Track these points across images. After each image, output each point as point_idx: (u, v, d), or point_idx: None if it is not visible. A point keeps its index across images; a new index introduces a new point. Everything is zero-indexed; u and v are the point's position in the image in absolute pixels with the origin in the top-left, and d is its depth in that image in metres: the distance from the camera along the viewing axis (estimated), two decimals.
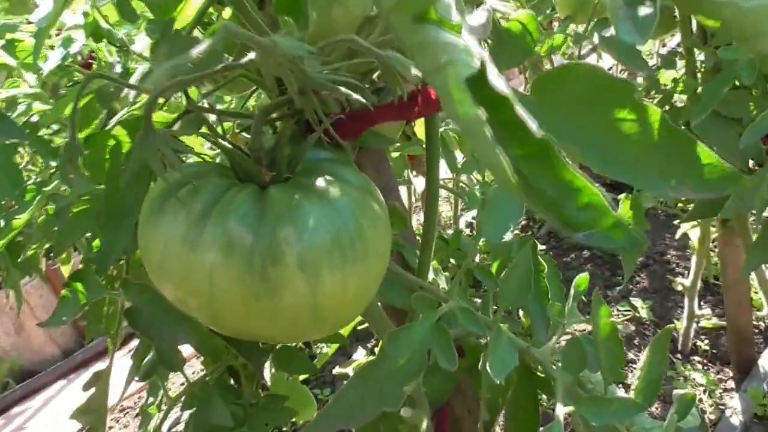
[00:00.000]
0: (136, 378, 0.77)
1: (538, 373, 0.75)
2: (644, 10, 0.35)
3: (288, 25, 0.53)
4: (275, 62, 0.45)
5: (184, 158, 0.60)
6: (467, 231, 2.62)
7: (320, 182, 0.53)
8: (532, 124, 0.28)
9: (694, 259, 1.85)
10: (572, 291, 0.70)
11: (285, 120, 0.58)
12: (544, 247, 2.88)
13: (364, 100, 0.52)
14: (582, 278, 0.71)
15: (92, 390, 0.71)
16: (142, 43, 1.28)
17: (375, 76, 0.74)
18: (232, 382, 0.82)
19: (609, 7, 0.36)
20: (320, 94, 0.54)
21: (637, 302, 2.30)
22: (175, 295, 0.53)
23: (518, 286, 0.63)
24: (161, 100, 0.72)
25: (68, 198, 0.75)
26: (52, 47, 1.38)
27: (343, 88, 0.50)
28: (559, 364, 0.63)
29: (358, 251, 0.52)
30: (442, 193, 2.62)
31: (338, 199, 0.52)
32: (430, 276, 0.81)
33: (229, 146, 0.54)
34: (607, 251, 2.77)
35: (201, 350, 0.74)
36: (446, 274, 0.91)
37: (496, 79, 0.28)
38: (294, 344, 0.82)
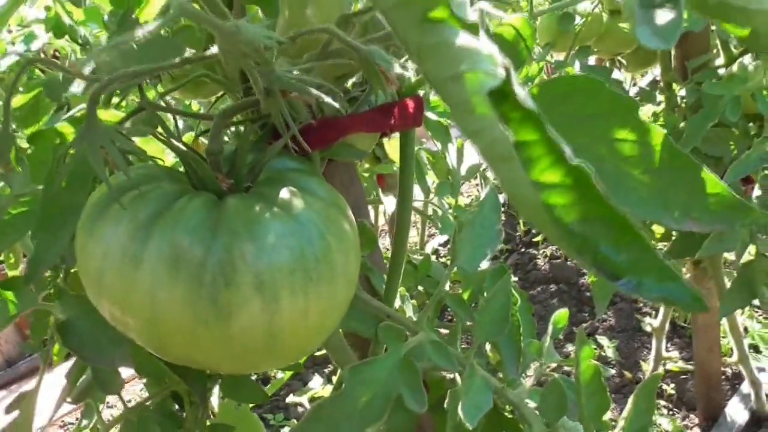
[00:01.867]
0: (68, 400, 0.69)
1: (507, 414, 0.69)
2: (666, 14, 0.30)
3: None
4: (238, 52, 0.39)
5: (132, 161, 0.54)
6: (433, 258, 2.57)
7: (284, 194, 0.48)
8: (566, 148, 0.23)
9: None
10: (550, 328, 0.65)
11: (248, 124, 0.52)
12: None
13: (336, 106, 0.46)
14: (561, 315, 0.66)
15: (16, 413, 0.64)
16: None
17: (349, 84, 0.69)
18: (176, 407, 0.75)
19: (626, 12, 0.32)
20: (289, 97, 0.49)
21: (604, 341, 2.27)
22: (112, 314, 0.47)
23: (495, 319, 0.58)
24: (115, 98, 0.66)
25: (5, 197, 0.68)
26: (13, 43, 1.31)
27: (314, 91, 0.45)
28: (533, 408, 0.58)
29: (324, 273, 0.46)
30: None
31: (303, 213, 0.47)
32: (397, 303, 0.75)
33: (183, 148, 0.48)
34: (574, 285, 2.75)
35: (141, 372, 0.67)
36: (413, 302, 0.85)
37: (521, 92, 0.23)
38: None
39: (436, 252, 3.19)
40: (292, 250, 0.45)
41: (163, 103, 0.58)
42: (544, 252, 3.16)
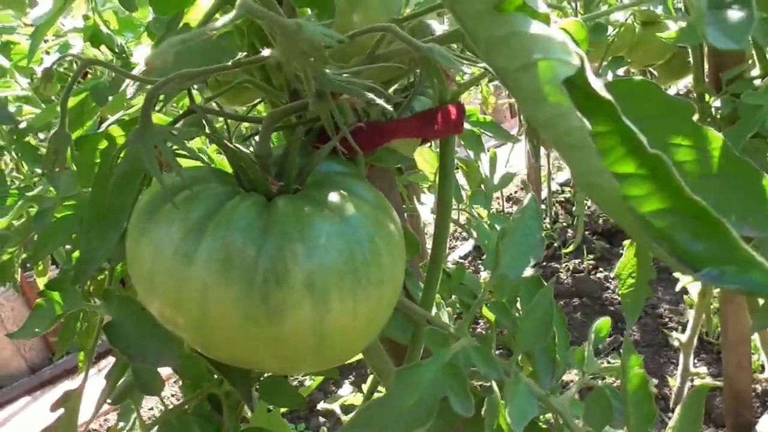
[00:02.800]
0: (108, 401, 0.70)
1: (541, 424, 0.69)
2: (735, 14, 0.30)
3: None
4: (298, 51, 0.40)
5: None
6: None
7: (333, 196, 0.48)
8: (642, 137, 0.23)
9: (692, 313, 1.80)
10: (591, 336, 0.65)
11: (299, 126, 0.52)
12: None
13: (387, 107, 0.47)
14: (602, 323, 0.66)
15: (61, 410, 0.64)
16: (141, 53, 1.23)
17: (391, 90, 0.69)
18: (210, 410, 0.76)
19: (694, 13, 0.31)
20: (338, 100, 0.49)
21: None
22: (162, 312, 0.47)
23: (538, 327, 0.58)
24: (161, 101, 0.66)
25: (52, 200, 0.69)
26: (48, 52, 1.33)
27: (365, 92, 0.45)
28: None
29: (373, 275, 0.46)
30: (429, 228, 2.56)
31: (352, 215, 0.47)
32: (433, 310, 0.75)
33: (235, 149, 0.48)
34: (597, 299, 2.72)
35: (183, 374, 0.67)
36: (448, 309, 0.85)
37: (596, 82, 0.23)
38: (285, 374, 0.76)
39: (458, 264, 3.17)
40: (341, 251, 0.45)
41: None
42: (566, 266, 3.14)
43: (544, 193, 3.61)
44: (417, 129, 0.59)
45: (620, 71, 1.51)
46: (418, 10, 0.56)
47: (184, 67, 0.47)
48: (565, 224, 3.55)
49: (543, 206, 3.55)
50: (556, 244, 3.32)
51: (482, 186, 1.00)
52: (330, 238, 0.45)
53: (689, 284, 1.73)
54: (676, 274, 1.84)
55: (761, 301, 1.42)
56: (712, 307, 2.06)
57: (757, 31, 0.90)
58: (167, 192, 0.46)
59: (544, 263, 3.22)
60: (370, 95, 0.46)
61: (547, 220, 3.55)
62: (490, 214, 0.95)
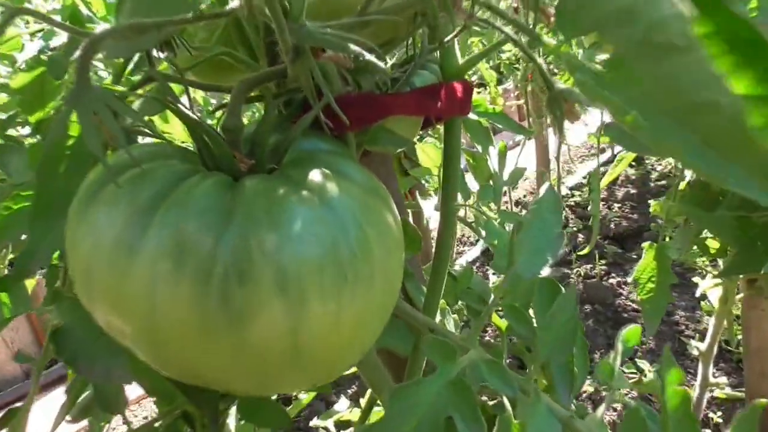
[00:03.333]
0: (67, 418, 0.61)
1: None
2: None
3: None
4: None
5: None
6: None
7: (314, 176, 0.39)
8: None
9: (712, 320, 1.70)
10: (619, 346, 0.56)
11: (268, 96, 0.44)
12: None
13: (380, 67, 0.38)
14: (632, 331, 0.57)
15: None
16: None
17: (389, 65, 0.61)
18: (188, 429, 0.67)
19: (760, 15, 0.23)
20: (321, 59, 0.40)
21: (645, 365, 2.14)
22: (104, 318, 0.39)
23: (561, 336, 0.49)
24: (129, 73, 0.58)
25: (4, 186, 0.61)
26: (31, 39, 1.25)
27: (355, 47, 0.36)
28: None
29: (361, 270, 0.38)
30: (434, 230, 2.47)
31: (337, 198, 0.38)
32: (437, 317, 0.67)
33: (195, 119, 0.40)
34: (609, 306, 2.62)
35: (149, 390, 0.59)
36: (454, 316, 0.76)
37: None
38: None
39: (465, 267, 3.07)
40: (322, 240, 0.36)
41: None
42: (577, 271, 3.04)
43: None
44: (416, 105, 0.50)
45: None
46: None
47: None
48: (575, 228, 3.46)
49: None
50: (566, 249, 3.23)
51: (491, 182, 0.91)
52: (307, 225, 0.36)
53: (709, 289, 1.64)
54: (695, 279, 1.75)
55: None
56: (733, 313, 1.97)
57: None
58: (111, 170, 0.38)
59: (555, 268, 3.12)
60: (360, 51, 0.37)
61: None
62: (501, 212, 0.86)
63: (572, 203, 3.84)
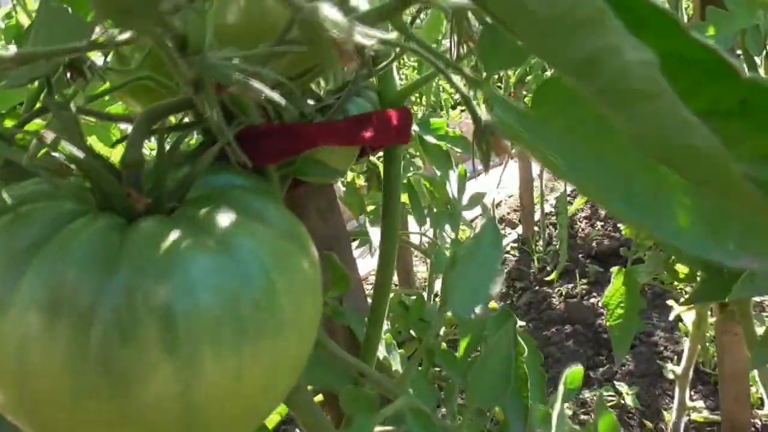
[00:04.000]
0: None
1: None
2: None
3: None
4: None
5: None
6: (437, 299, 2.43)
7: (218, 217, 0.36)
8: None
9: (687, 344, 1.68)
10: (561, 389, 0.53)
11: (162, 130, 0.41)
12: (522, 322, 2.68)
13: (289, 107, 0.35)
14: (574, 373, 0.54)
15: None
16: None
17: (322, 92, 0.58)
18: None
19: None
20: (228, 93, 0.37)
21: (623, 387, 2.11)
22: None
23: (494, 381, 0.46)
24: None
25: None
26: None
27: (260, 86, 0.33)
28: None
29: (266, 324, 0.34)
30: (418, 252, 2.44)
31: (242, 243, 0.35)
32: (381, 353, 0.63)
33: (84, 155, 0.36)
34: (590, 326, 2.60)
35: None
36: (401, 351, 0.73)
37: None
38: None
39: (417, 296, 3.03)
40: (219, 291, 0.33)
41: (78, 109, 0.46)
42: (559, 291, 3.01)
43: (537, 215, 3.49)
44: (345, 135, 0.47)
45: None
46: None
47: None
48: (558, 247, 3.43)
49: (536, 228, 3.43)
50: (548, 268, 3.20)
51: (449, 207, 0.88)
52: (202, 274, 0.33)
53: (684, 313, 1.62)
54: (670, 302, 1.73)
55: (759, 333, 1.30)
56: (708, 335, 1.95)
57: None
58: None
59: (537, 287, 3.09)
60: (266, 89, 0.34)
61: (541, 242, 3.43)
62: (453, 240, 0.83)
63: (555, 221, 3.82)
